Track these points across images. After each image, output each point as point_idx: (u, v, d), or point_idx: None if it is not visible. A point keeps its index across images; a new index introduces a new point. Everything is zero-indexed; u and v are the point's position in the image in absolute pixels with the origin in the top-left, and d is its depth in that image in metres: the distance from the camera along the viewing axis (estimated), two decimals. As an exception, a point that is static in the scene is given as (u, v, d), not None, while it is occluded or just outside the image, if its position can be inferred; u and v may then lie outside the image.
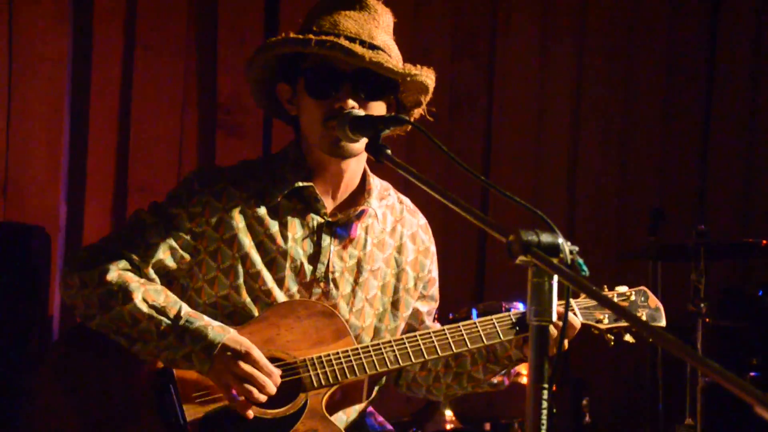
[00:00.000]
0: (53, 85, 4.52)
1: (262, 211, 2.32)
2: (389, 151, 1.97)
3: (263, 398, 2.16)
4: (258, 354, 2.17)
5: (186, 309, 2.21)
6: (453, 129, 4.95)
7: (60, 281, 2.28)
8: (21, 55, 4.49)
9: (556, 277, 1.52)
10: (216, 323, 2.21)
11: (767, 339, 4.26)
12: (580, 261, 1.55)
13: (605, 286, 2.48)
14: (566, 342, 2.32)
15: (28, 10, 4.48)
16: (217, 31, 4.74)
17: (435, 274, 2.53)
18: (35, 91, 4.50)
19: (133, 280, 2.22)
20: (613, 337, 2.41)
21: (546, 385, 1.52)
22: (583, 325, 2.38)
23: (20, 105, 4.49)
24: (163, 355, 2.19)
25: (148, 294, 2.20)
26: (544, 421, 1.52)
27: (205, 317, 2.22)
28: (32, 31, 4.49)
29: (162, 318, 2.18)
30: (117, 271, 2.22)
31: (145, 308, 2.18)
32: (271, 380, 2.17)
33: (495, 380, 2.46)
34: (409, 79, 2.27)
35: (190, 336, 2.17)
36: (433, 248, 2.53)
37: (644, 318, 2.44)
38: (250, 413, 2.18)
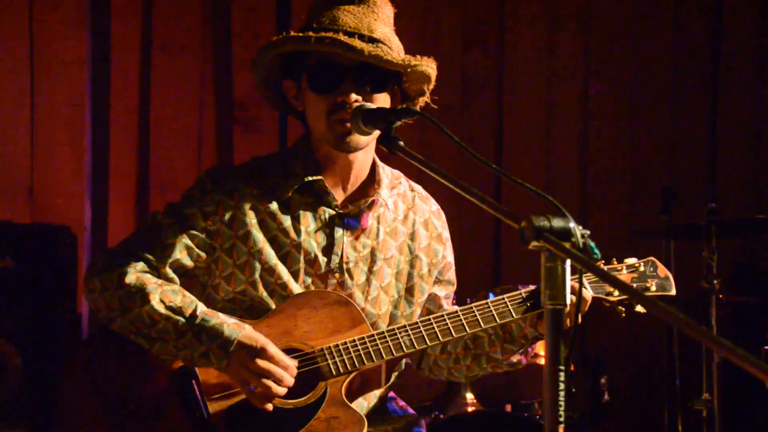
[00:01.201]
0: (74, 87, 4.61)
1: (275, 206, 2.35)
2: (402, 143, 1.99)
3: (281, 392, 2.20)
4: (273, 349, 2.21)
5: (202, 308, 2.25)
6: (464, 117, 4.98)
7: (83, 286, 2.33)
8: (42, 58, 4.58)
9: (568, 261, 1.54)
10: (231, 320, 2.24)
11: (780, 313, 4.30)
12: (592, 244, 1.56)
13: (614, 259, 2.50)
14: (579, 316, 2.38)
15: (47, 14, 4.57)
16: (232, 29, 4.80)
17: (450, 258, 2.55)
18: (57, 93, 4.59)
19: (151, 282, 2.25)
20: (624, 309, 2.42)
21: (562, 367, 1.53)
22: (594, 298, 2.39)
23: (43, 108, 4.58)
24: (182, 353, 2.23)
25: (165, 295, 2.24)
26: (562, 402, 1.53)
27: (221, 315, 2.26)
28: (52, 35, 4.58)
29: (179, 317, 2.22)
30: (135, 274, 2.26)
31: (162, 309, 2.22)
32: (288, 373, 2.20)
33: (513, 359, 2.47)
34: (409, 69, 2.30)
35: (206, 334, 2.21)
36: (446, 234, 2.55)
37: (654, 288, 2.46)
38: (269, 407, 2.21)
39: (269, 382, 2.19)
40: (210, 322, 2.22)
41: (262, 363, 2.19)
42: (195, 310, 2.24)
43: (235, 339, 2.21)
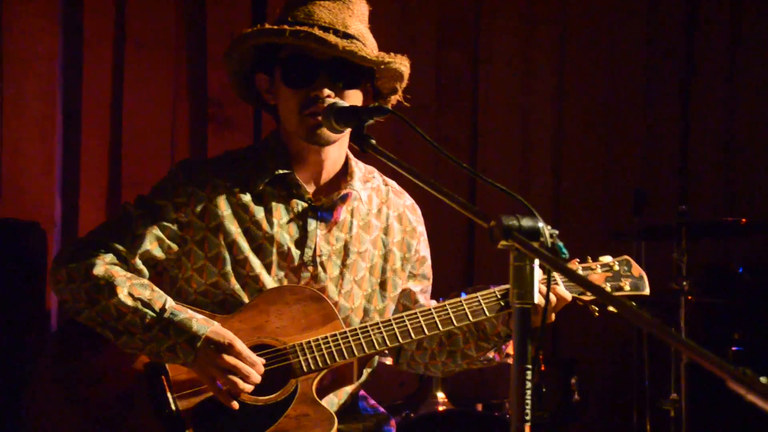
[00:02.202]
0: (45, 82, 4.55)
1: (247, 198, 2.35)
2: (374, 141, 2.00)
3: (248, 388, 2.19)
4: (241, 345, 2.19)
5: (171, 302, 2.24)
6: (440, 117, 4.99)
7: (49, 276, 2.31)
8: (12, 54, 4.52)
9: (536, 261, 1.55)
10: (200, 316, 2.23)
11: (748, 314, 4.33)
12: (560, 244, 1.58)
13: (589, 258, 2.51)
14: (553, 315, 2.37)
15: (18, 9, 4.51)
16: (206, 25, 4.77)
17: (424, 252, 2.55)
18: (28, 89, 4.53)
19: (120, 275, 2.24)
20: (597, 308, 2.43)
21: (530, 366, 1.55)
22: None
23: (13, 103, 4.53)
24: (148, 347, 2.21)
25: (134, 288, 2.23)
26: (528, 401, 1.55)
27: (190, 310, 2.24)
28: (23, 30, 4.52)
29: (147, 310, 2.21)
30: (104, 266, 2.25)
31: (130, 301, 2.21)
32: (255, 370, 2.19)
33: (489, 355, 2.49)
34: (383, 66, 2.30)
35: (174, 328, 2.19)
36: (420, 228, 2.55)
37: (628, 287, 2.47)
38: (235, 404, 2.20)
39: (236, 379, 2.18)
40: (178, 316, 2.21)
41: (229, 359, 2.18)
42: (164, 304, 2.23)
43: (203, 334, 2.19)
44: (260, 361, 2.22)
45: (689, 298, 3.86)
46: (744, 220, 3.98)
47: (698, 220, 3.99)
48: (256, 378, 2.20)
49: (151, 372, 2.26)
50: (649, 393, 4.27)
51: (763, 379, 1.15)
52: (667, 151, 5.11)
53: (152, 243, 2.30)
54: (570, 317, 2.54)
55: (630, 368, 4.45)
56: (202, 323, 2.21)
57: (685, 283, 3.86)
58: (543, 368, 3.91)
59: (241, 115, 4.77)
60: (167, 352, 2.21)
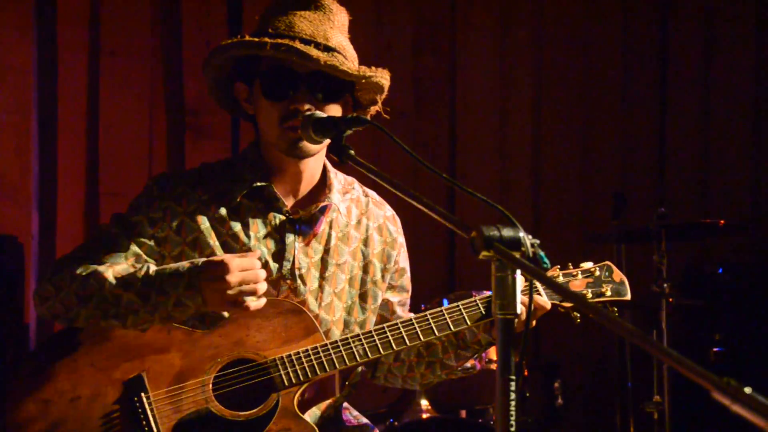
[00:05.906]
0: (20, 94, 4.51)
1: (224, 212, 2.33)
2: (352, 152, 1.99)
3: (264, 287, 2.17)
4: (231, 259, 2.16)
5: (153, 267, 2.22)
6: (418, 123, 4.99)
7: (35, 300, 2.29)
8: (-15, 64, 4.49)
9: (518, 271, 1.55)
10: (185, 263, 2.22)
11: (729, 315, 4.36)
12: (542, 254, 1.58)
13: (570, 264, 2.51)
14: (534, 321, 2.36)
15: (-10, 19, 4.47)
16: (182, 35, 4.75)
17: (404, 264, 2.54)
18: (2, 101, 4.49)
19: (100, 266, 2.24)
20: (578, 315, 2.43)
21: (513, 377, 1.54)
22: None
23: (-13, 115, 4.49)
24: (156, 315, 2.20)
25: (117, 271, 2.22)
26: (513, 411, 1.54)
27: (172, 263, 2.24)
28: (-5, 40, 4.49)
29: (138, 284, 2.19)
30: (84, 265, 2.24)
31: (118, 283, 2.20)
32: (258, 270, 2.17)
33: (468, 365, 2.49)
34: (364, 80, 2.30)
35: (168, 284, 2.18)
36: (401, 239, 2.54)
37: (609, 293, 2.47)
38: (261, 303, 2.18)
39: (250, 287, 2.16)
40: (166, 271, 2.19)
41: (232, 278, 2.14)
42: (147, 270, 2.21)
43: (197, 272, 2.17)
44: (257, 254, 2.22)
45: (670, 300, 3.88)
46: (722, 221, 4.00)
47: (677, 223, 4.00)
48: (263, 274, 2.18)
49: (130, 391, 2.24)
50: (633, 395, 4.29)
51: (747, 390, 1.14)
52: (645, 155, 5.14)
53: (129, 259, 2.29)
54: (552, 321, 2.53)
55: (613, 371, 4.46)
56: (190, 266, 2.19)
57: (665, 285, 3.87)
58: (526, 373, 3.91)
59: (218, 123, 4.75)
60: (175, 308, 2.18)
